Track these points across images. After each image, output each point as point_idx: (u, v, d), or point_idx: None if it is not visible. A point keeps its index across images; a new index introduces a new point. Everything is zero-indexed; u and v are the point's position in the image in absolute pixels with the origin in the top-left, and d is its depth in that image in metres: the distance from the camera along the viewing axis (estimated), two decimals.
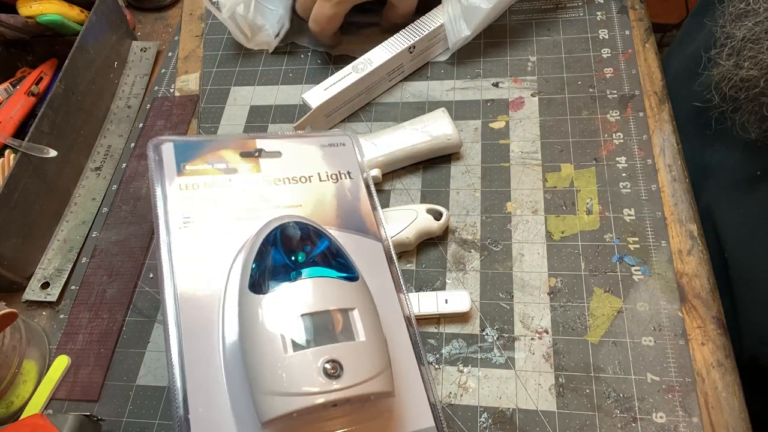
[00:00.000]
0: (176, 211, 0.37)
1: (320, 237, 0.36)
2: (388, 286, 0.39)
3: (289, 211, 0.39)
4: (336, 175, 0.41)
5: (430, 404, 0.37)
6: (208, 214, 0.37)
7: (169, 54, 0.68)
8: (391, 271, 0.39)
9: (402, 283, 0.40)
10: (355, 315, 0.33)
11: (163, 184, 0.38)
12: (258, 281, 0.34)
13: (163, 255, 0.36)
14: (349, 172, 0.41)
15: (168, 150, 0.38)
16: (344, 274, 0.35)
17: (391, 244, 0.41)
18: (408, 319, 0.39)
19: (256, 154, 0.41)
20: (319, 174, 0.41)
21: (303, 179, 0.40)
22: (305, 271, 0.34)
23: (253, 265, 0.35)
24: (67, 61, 0.57)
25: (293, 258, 0.35)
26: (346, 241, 0.38)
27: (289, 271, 0.34)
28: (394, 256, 0.40)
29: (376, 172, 0.52)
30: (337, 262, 0.35)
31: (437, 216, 0.48)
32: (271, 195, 0.39)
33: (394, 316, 0.38)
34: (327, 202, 0.40)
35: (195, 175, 0.38)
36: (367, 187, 0.42)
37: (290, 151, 0.41)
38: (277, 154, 0.41)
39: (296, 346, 0.31)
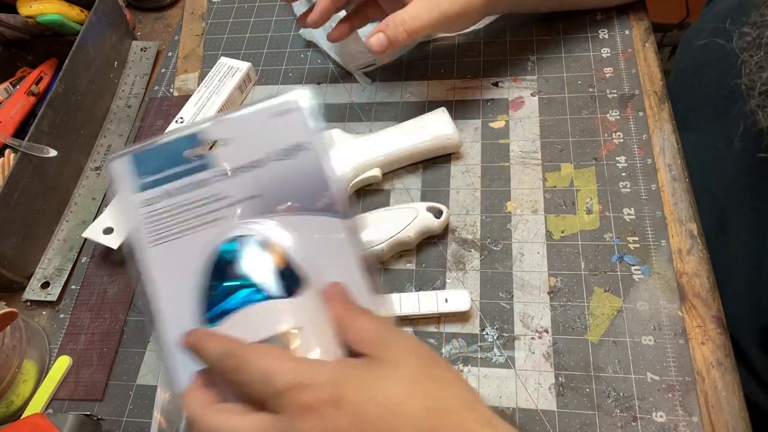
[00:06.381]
0: (143, 231, 0.36)
1: (259, 252, 0.34)
2: (354, 273, 0.35)
3: (243, 204, 0.36)
4: (291, 149, 0.35)
5: None
6: (176, 228, 0.36)
7: (169, 54, 0.68)
8: (356, 254, 0.35)
9: (370, 267, 0.36)
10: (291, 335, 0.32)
11: (125, 203, 0.36)
12: (204, 309, 0.34)
13: (134, 276, 0.35)
14: (305, 143, 0.35)
15: (124, 164, 0.36)
16: (277, 294, 0.33)
17: (356, 219, 0.36)
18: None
19: (210, 147, 0.36)
20: (272, 153, 0.35)
21: (256, 163, 0.35)
22: (241, 299, 0.33)
23: (202, 296, 0.34)
24: (67, 60, 0.57)
25: (230, 287, 0.34)
26: (309, 226, 0.35)
27: (225, 300, 0.33)
28: (360, 236, 0.36)
29: (376, 171, 0.52)
30: (277, 276, 0.34)
31: (437, 214, 0.48)
32: (227, 192, 0.35)
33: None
34: (285, 185, 0.35)
35: (153, 187, 0.36)
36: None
37: (240, 134, 0.36)
38: (226, 141, 0.36)
39: None
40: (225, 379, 0.31)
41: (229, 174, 0.36)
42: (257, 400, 0.29)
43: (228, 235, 0.34)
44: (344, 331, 0.32)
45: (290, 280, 0.34)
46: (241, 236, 0.34)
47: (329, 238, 0.35)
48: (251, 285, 0.33)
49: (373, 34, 0.47)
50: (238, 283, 0.33)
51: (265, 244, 0.34)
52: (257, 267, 0.34)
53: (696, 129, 0.53)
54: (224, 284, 0.34)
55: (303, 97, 0.37)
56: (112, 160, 0.36)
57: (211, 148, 0.36)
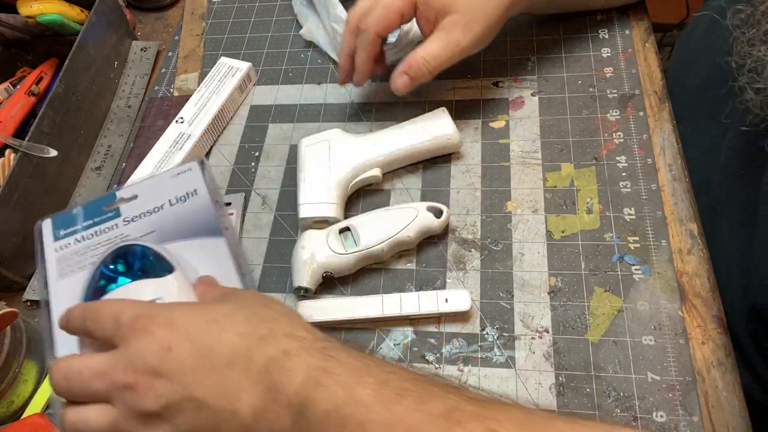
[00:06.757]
0: (53, 269, 0.44)
1: (136, 253, 0.42)
2: (231, 275, 0.44)
3: (141, 239, 0.45)
4: (184, 196, 0.47)
5: None
6: (78, 264, 0.44)
7: (170, 54, 0.68)
8: (234, 259, 0.45)
9: (245, 267, 0.44)
10: None
11: (44, 252, 0.45)
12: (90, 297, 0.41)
13: (43, 309, 0.43)
14: (195, 190, 0.47)
15: (47, 225, 0.46)
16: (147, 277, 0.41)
17: (233, 235, 0.46)
18: None
19: (116, 204, 0.47)
20: (170, 200, 0.47)
21: (156, 209, 0.46)
22: (115, 286, 0.40)
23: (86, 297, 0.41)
24: (67, 61, 0.57)
25: (108, 278, 0.41)
26: (194, 245, 0.45)
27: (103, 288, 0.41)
28: (233, 248, 0.45)
29: (376, 171, 0.52)
30: (148, 268, 0.41)
31: (437, 214, 0.48)
32: (129, 232, 0.46)
33: None
34: (178, 221, 0.46)
35: (68, 237, 0.46)
36: (214, 196, 0.47)
37: (145, 191, 0.47)
38: (134, 198, 0.47)
39: None
40: (86, 334, 0.35)
41: (134, 219, 0.46)
42: (110, 344, 0.33)
43: (113, 248, 0.43)
44: (202, 299, 0.38)
45: (161, 269, 0.41)
46: (123, 245, 0.42)
47: (211, 252, 0.44)
48: (125, 273, 0.41)
49: (397, 77, 0.50)
50: (113, 275, 0.41)
51: (144, 249, 0.42)
52: (134, 262, 0.41)
53: (691, 122, 0.53)
54: (104, 277, 0.41)
55: (199, 162, 0.48)
56: (38, 224, 0.46)
57: (117, 204, 0.47)
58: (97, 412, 0.32)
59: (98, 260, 0.42)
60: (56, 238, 0.46)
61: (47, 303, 0.43)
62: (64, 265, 0.44)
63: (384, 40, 0.52)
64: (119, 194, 0.47)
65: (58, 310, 0.42)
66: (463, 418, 0.27)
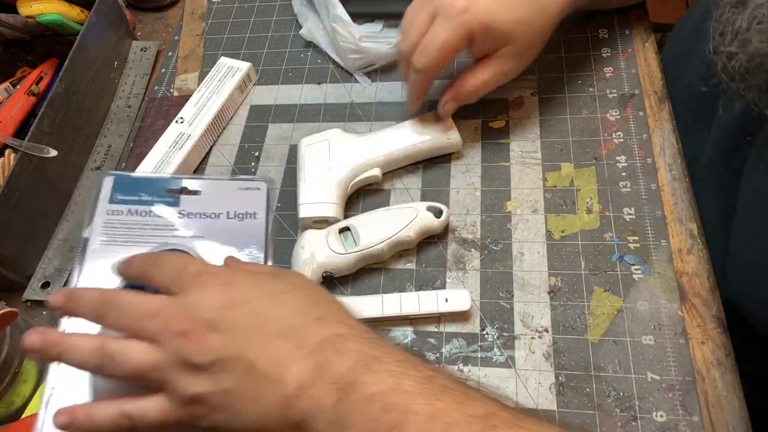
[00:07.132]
0: (98, 232, 0.45)
1: None
2: None
3: (189, 241, 0.46)
4: (243, 215, 0.47)
5: None
6: (124, 237, 0.45)
7: (170, 54, 0.68)
8: None
9: None
10: None
11: (95, 207, 0.46)
12: None
13: (76, 268, 0.44)
14: (255, 213, 0.47)
15: (109, 182, 0.46)
16: None
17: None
18: None
19: (179, 191, 0.47)
20: (228, 212, 0.47)
21: (213, 215, 0.46)
22: None
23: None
24: (67, 60, 0.57)
25: None
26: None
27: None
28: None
29: (376, 171, 0.52)
30: None
31: (437, 213, 0.48)
32: (181, 227, 0.46)
33: None
34: (228, 237, 0.46)
35: (122, 204, 0.46)
36: (267, 228, 0.48)
37: (210, 191, 0.48)
38: (197, 192, 0.48)
39: None
40: (143, 279, 0.36)
41: (190, 216, 0.46)
42: (166, 292, 0.34)
43: (165, 246, 0.44)
44: None
45: None
46: (174, 248, 0.44)
47: None
48: None
49: (447, 102, 0.51)
50: None
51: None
52: None
53: (681, 120, 0.53)
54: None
55: (267, 181, 0.49)
56: (102, 176, 0.47)
57: (180, 192, 0.48)
58: (140, 349, 0.32)
59: (151, 248, 0.44)
60: (112, 201, 0.46)
61: (82, 265, 0.44)
62: (109, 232, 0.45)
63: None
64: (185, 183, 0.47)
65: (86, 276, 0.43)
66: (498, 423, 0.29)
